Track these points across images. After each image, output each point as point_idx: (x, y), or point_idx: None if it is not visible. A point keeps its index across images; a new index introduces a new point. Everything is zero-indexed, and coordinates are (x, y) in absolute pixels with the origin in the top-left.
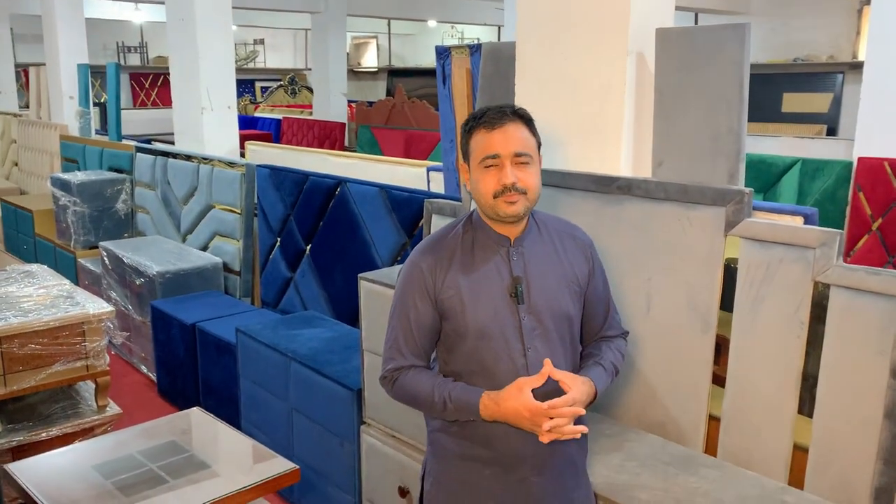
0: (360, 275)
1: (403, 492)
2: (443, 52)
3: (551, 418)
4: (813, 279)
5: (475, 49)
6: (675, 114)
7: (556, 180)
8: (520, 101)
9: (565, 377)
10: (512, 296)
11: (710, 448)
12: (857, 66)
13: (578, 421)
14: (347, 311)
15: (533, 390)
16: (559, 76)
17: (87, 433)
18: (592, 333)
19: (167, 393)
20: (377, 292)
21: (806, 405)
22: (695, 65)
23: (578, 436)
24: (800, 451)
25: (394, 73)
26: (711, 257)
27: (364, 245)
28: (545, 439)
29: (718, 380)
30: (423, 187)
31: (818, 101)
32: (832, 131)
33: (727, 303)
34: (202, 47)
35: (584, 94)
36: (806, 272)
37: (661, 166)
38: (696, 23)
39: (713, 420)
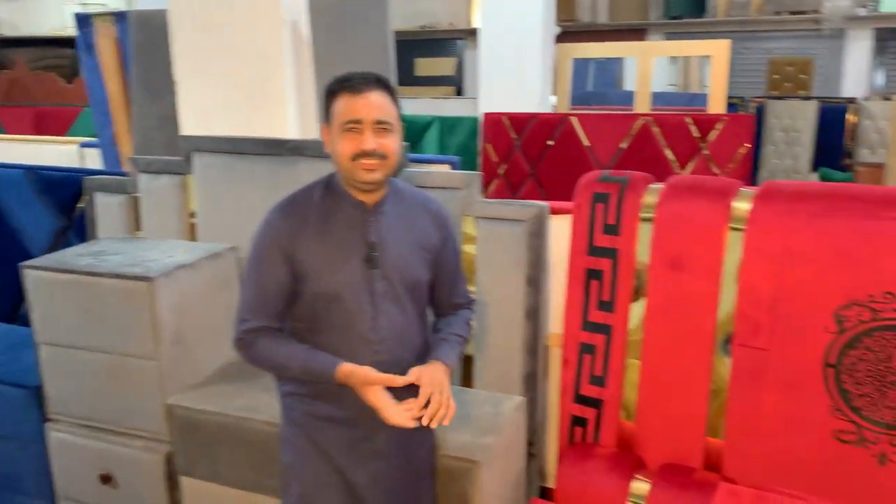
0: (22, 264)
1: (106, 478)
2: (84, 20)
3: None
4: (462, 214)
5: (120, 17)
6: (332, 76)
7: (228, 147)
8: (179, 71)
9: (414, 377)
10: (366, 261)
11: None
12: (474, 33)
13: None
14: None
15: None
16: (218, 45)
17: None
18: (442, 300)
19: None
20: (48, 279)
21: None
22: (346, 32)
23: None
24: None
25: (2, 44)
26: None
27: (11, 234)
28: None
29: None
30: (77, 165)
31: (445, 65)
32: (459, 91)
33: None
34: None
35: (244, 63)
36: (457, 209)
37: None
38: None
39: None
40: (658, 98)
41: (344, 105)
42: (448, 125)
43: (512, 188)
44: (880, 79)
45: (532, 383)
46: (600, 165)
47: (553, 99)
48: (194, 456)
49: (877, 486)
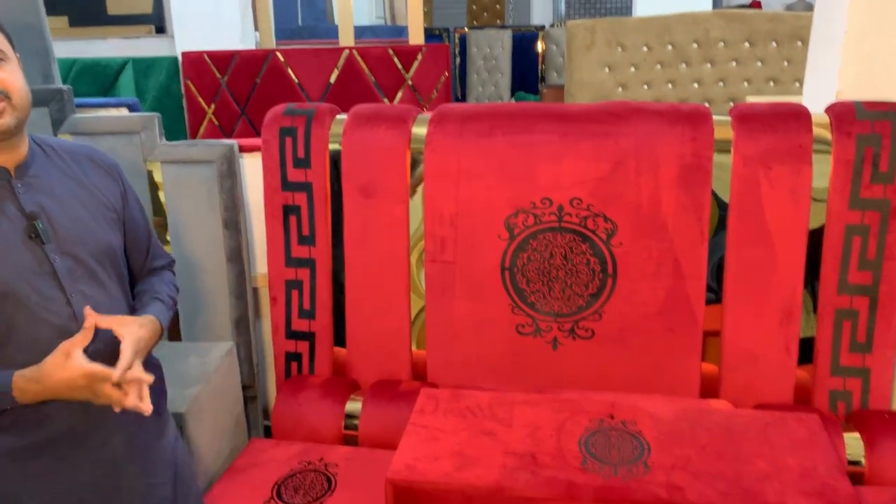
0: None
1: None
2: None
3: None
4: (145, 160)
5: None
6: None
7: None
8: None
9: (115, 322)
10: (32, 237)
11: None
12: None
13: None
14: None
15: (86, 349)
16: None
17: None
18: (140, 265)
19: None
20: None
21: None
22: None
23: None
24: None
25: None
26: None
27: None
28: (127, 406)
29: None
30: None
31: (142, 2)
32: (162, 30)
33: None
34: None
35: None
36: (138, 155)
37: None
38: None
39: None
40: (368, 31)
41: None
42: (143, 67)
43: (224, 130)
44: (563, 6)
45: (244, 327)
46: (312, 100)
47: (258, 35)
48: None
49: (552, 367)
